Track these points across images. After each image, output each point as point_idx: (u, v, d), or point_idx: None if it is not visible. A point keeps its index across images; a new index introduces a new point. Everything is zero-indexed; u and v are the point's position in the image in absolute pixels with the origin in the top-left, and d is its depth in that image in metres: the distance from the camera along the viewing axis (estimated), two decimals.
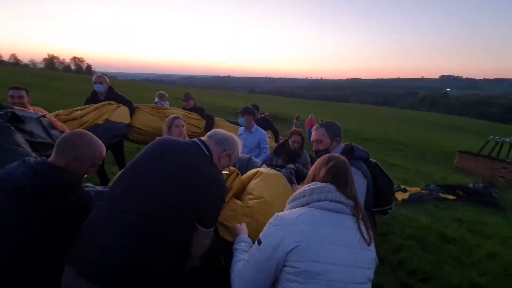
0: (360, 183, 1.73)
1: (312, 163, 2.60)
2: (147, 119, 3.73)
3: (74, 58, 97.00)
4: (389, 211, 2.03)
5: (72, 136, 1.30)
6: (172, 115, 2.79)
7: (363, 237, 1.10)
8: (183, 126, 2.75)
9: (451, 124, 44.04)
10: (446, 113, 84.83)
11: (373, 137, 20.03)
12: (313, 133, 1.98)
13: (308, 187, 1.17)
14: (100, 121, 3.22)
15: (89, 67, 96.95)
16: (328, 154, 1.30)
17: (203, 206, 1.24)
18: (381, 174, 2.02)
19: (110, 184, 1.68)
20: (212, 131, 1.50)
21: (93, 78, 3.62)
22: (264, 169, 2.10)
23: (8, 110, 2.10)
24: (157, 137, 3.38)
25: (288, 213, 1.15)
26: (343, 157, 1.29)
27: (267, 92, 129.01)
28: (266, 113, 24.50)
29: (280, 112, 24.63)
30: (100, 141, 1.37)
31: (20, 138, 1.86)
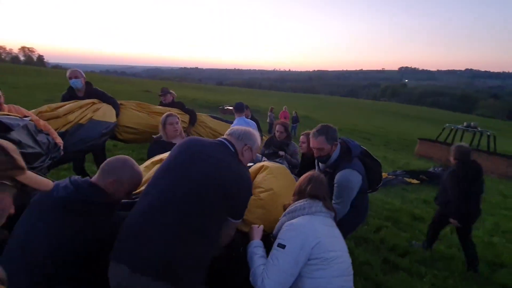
0: (356, 181, 2.01)
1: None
2: (136, 116, 3.57)
3: (23, 48, 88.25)
4: (377, 187, 2.33)
5: (116, 161, 1.36)
6: (166, 113, 2.79)
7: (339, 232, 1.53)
8: (177, 123, 2.75)
9: (410, 114, 47.23)
10: (406, 103, 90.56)
11: (343, 127, 20.95)
12: (313, 141, 2.07)
13: (305, 203, 1.54)
14: (84, 121, 3.05)
15: (40, 57, 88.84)
16: (308, 175, 1.65)
17: (236, 201, 1.35)
18: (371, 160, 2.26)
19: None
20: (230, 129, 1.60)
21: (67, 73, 3.36)
22: (268, 163, 2.24)
23: None
24: (152, 135, 3.37)
25: (298, 219, 1.46)
26: (321, 176, 1.66)
27: (236, 84, 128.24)
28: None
29: (252, 104, 24.73)
30: (140, 170, 1.42)
31: None
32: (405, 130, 26.62)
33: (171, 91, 4.50)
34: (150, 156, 2.67)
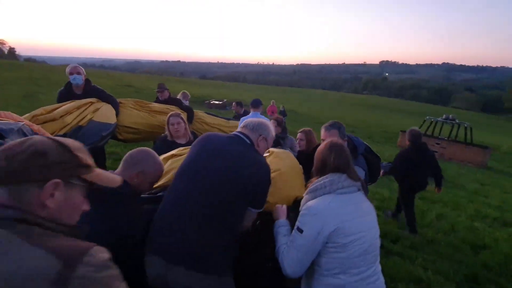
0: (360, 172, 2.11)
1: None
2: (136, 115, 3.50)
3: None
4: (377, 179, 2.48)
5: (139, 153, 1.40)
6: (170, 113, 2.78)
7: (369, 204, 1.47)
8: (178, 123, 2.70)
9: (390, 107, 48.55)
10: (386, 96, 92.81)
11: (327, 120, 21.08)
12: (326, 134, 2.16)
13: (326, 180, 1.43)
14: (83, 123, 2.94)
15: (12, 50, 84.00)
16: (328, 143, 1.53)
17: (256, 191, 1.42)
18: (371, 155, 2.40)
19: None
20: (244, 121, 1.66)
21: (68, 68, 3.24)
22: (274, 149, 2.35)
23: None
24: (156, 134, 3.34)
25: (318, 201, 1.40)
26: (339, 143, 1.55)
27: (220, 78, 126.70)
28: (225, 100, 24.02)
29: (240, 99, 24.64)
30: (161, 162, 1.47)
31: None
32: (387, 123, 27.41)
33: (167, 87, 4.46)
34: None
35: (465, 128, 12.65)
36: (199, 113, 4.42)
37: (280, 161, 2.05)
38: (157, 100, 4.39)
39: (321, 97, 55.76)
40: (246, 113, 5.10)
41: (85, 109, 3.10)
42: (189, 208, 1.29)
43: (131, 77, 40.47)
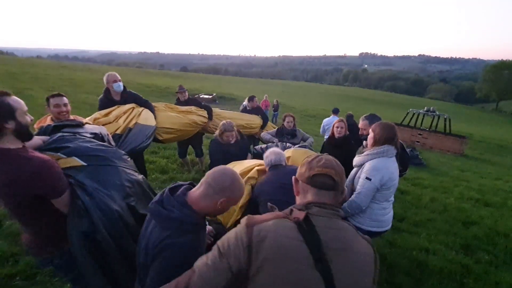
0: (395, 164, 2.63)
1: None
2: (170, 117, 3.80)
3: None
4: (403, 174, 3.02)
5: (224, 177, 1.21)
6: (225, 124, 3.09)
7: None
8: (231, 130, 3.10)
9: (370, 98, 50.21)
10: (366, 87, 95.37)
11: (315, 113, 22.01)
12: (366, 123, 2.74)
13: (385, 148, 2.15)
14: (131, 125, 3.19)
15: None
16: (384, 124, 2.22)
17: None
18: (403, 151, 2.93)
19: None
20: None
21: (106, 76, 3.41)
22: (294, 149, 2.86)
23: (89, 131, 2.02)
24: (188, 132, 3.70)
25: (380, 162, 2.14)
26: (391, 124, 2.23)
27: (201, 70, 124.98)
28: (214, 94, 24.05)
29: (226, 93, 24.81)
30: (243, 183, 1.31)
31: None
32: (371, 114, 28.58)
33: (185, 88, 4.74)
34: (212, 153, 3.05)
35: (445, 119, 13.65)
36: (218, 110, 4.78)
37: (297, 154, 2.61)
38: (178, 101, 4.65)
39: (304, 89, 56.62)
40: (259, 108, 5.40)
41: (130, 113, 3.38)
42: None
43: (112, 70, 39.30)
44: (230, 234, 0.95)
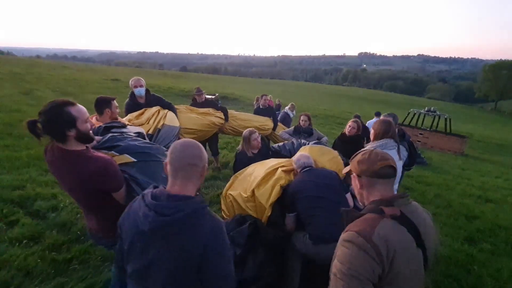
0: (404, 154, 2.88)
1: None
2: (191, 118, 4.06)
3: None
4: (410, 168, 3.29)
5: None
6: (248, 130, 3.30)
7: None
8: (258, 137, 3.31)
9: (370, 98, 50.48)
10: (365, 87, 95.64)
11: (317, 113, 22.26)
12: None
13: (384, 141, 2.49)
14: (160, 126, 3.43)
15: None
16: (382, 121, 2.58)
17: None
18: (413, 148, 3.21)
19: None
20: None
21: (132, 81, 3.66)
22: (308, 146, 3.12)
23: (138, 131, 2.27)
24: (207, 133, 3.95)
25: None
26: (388, 120, 2.59)
27: (201, 69, 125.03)
28: (217, 94, 24.42)
29: (229, 93, 25.02)
30: None
31: None
32: (370, 114, 28.83)
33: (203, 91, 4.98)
34: (237, 167, 3.24)
35: (445, 119, 13.93)
36: (233, 112, 5.03)
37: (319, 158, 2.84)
38: (195, 102, 4.88)
39: (305, 89, 56.80)
40: (271, 108, 5.67)
41: (157, 115, 3.64)
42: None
43: (114, 71, 39.46)
44: (345, 258, 1.02)
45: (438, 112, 14.36)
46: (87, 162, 1.55)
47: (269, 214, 2.38)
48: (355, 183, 1.26)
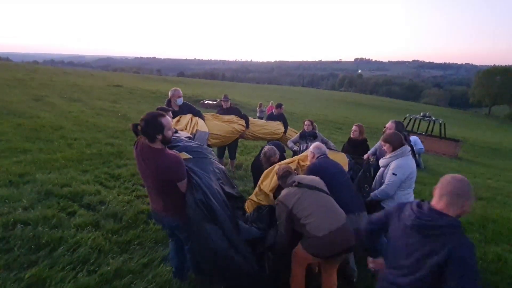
0: (412, 160, 3.39)
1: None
2: (217, 125, 4.56)
3: None
4: None
5: (463, 184, 1.51)
6: (273, 150, 3.54)
7: None
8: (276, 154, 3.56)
9: (367, 103, 51.34)
10: (362, 92, 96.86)
11: (315, 117, 22.83)
12: (390, 124, 3.63)
13: (401, 150, 2.89)
14: (195, 131, 3.99)
15: None
16: (391, 134, 3.05)
17: None
18: (413, 151, 3.73)
19: None
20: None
21: (172, 92, 4.16)
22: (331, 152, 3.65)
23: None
24: (230, 139, 4.47)
25: (402, 161, 2.85)
26: (395, 132, 3.07)
27: (198, 75, 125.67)
28: (218, 100, 24.75)
29: (229, 98, 25.51)
30: None
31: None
32: (367, 119, 29.40)
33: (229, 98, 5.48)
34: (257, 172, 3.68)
35: (440, 124, 14.58)
36: (250, 119, 5.52)
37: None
38: (221, 108, 5.39)
39: (302, 94, 57.56)
40: (282, 115, 6.14)
41: (191, 122, 4.16)
42: None
43: (113, 76, 39.89)
44: None
45: (433, 117, 15.01)
46: (166, 157, 2.08)
47: (272, 197, 2.91)
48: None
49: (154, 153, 2.04)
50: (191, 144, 2.57)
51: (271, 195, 2.88)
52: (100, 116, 10.22)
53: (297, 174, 2.88)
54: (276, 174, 2.67)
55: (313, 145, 3.08)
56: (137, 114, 11.59)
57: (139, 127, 2.01)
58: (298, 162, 3.22)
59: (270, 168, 3.12)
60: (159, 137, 2.02)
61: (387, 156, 2.99)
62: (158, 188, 2.17)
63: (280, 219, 2.40)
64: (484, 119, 50.34)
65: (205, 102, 22.39)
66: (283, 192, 2.43)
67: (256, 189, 2.99)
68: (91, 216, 3.23)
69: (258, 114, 15.80)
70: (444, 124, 14.55)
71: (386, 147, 2.97)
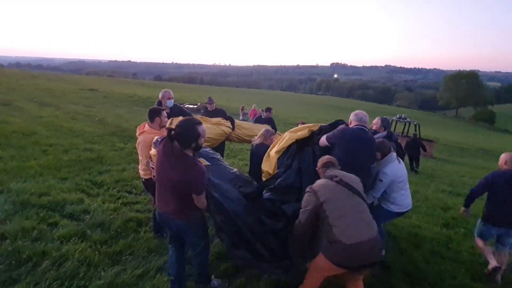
0: (397, 164, 3.44)
1: None
2: (209, 127, 4.32)
3: None
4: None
5: None
6: (265, 129, 3.77)
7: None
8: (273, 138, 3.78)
9: (343, 106, 52.74)
10: (338, 96, 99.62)
11: (296, 121, 23.15)
12: (376, 120, 3.64)
13: (387, 158, 2.88)
14: None
15: None
16: (381, 144, 2.97)
17: None
18: (400, 148, 3.79)
19: None
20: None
21: (163, 93, 3.99)
22: None
23: None
24: (219, 141, 4.38)
25: (384, 168, 2.83)
26: (384, 142, 3.05)
27: (176, 79, 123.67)
28: (199, 104, 24.45)
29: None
30: None
31: None
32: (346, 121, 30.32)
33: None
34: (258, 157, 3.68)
35: (415, 125, 15.22)
36: (236, 121, 5.47)
37: None
38: (206, 110, 5.29)
39: (282, 98, 58.22)
40: (271, 119, 6.16)
41: None
42: None
43: (87, 80, 38.39)
44: None
45: (408, 119, 15.65)
46: (194, 166, 2.02)
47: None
48: None
49: (184, 159, 2.00)
50: (206, 149, 2.55)
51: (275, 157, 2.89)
52: (75, 120, 9.70)
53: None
54: (320, 160, 2.41)
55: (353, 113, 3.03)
56: (116, 119, 11.15)
57: (173, 133, 1.98)
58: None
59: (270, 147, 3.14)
60: (193, 145, 2.01)
61: (376, 163, 3.00)
62: (176, 190, 2.07)
63: (305, 207, 2.17)
64: (452, 121, 53.29)
65: (186, 106, 22.04)
66: (320, 182, 2.22)
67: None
68: (75, 227, 3.01)
69: (240, 117, 15.75)
70: (419, 125, 15.20)
71: (378, 155, 2.97)
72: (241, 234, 2.26)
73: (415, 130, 15.00)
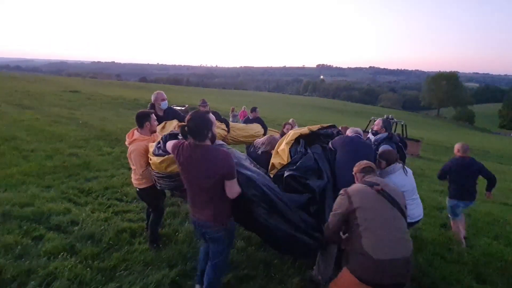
0: (401, 175, 3.37)
1: None
2: None
3: None
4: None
5: None
6: (272, 137, 3.65)
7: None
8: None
9: (330, 107, 53.49)
10: (324, 97, 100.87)
11: (284, 122, 23.16)
12: (378, 121, 3.66)
13: (390, 168, 2.88)
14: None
15: None
16: (386, 152, 3.00)
17: None
18: (401, 149, 3.75)
19: None
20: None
21: (155, 95, 3.81)
22: None
23: None
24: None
25: (387, 179, 2.68)
26: (390, 150, 3.08)
27: (162, 80, 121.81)
28: (187, 105, 24.34)
29: (197, 104, 24.97)
30: None
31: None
32: (332, 122, 30.59)
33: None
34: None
35: (402, 125, 15.49)
36: (231, 123, 5.34)
37: None
38: None
39: (269, 99, 58.33)
40: (259, 118, 6.06)
41: (170, 126, 3.85)
42: None
43: (68, 81, 37.09)
44: None
45: (395, 119, 15.90)
46: (218, 152, 2.01)
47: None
48: None
49: (205, 150, 1.98)
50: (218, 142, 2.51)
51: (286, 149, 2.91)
52: (58, 124, 9.28)
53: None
54: (358, 165, 2.32)
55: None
56: (101, 122, 10.76)
57: (186, 129, 1.98)
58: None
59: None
60: (209, 134, 1.99)
61: (379, 171, 2.90)
62: (211, 190, 1.99)
63: (335, 210, 2.06)
64: (434, 120, 54.87)
65: (173, 108, 21.66)
66: (356, 186, 2.10)
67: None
68: (63, 240, 2.78)
69: (231, 119, 15.56)
70: (406, 125, 15.48)
71: (382, 164, 2.91)
72: (274, 206, 2.23)
73: (402, 131, 15.29)
